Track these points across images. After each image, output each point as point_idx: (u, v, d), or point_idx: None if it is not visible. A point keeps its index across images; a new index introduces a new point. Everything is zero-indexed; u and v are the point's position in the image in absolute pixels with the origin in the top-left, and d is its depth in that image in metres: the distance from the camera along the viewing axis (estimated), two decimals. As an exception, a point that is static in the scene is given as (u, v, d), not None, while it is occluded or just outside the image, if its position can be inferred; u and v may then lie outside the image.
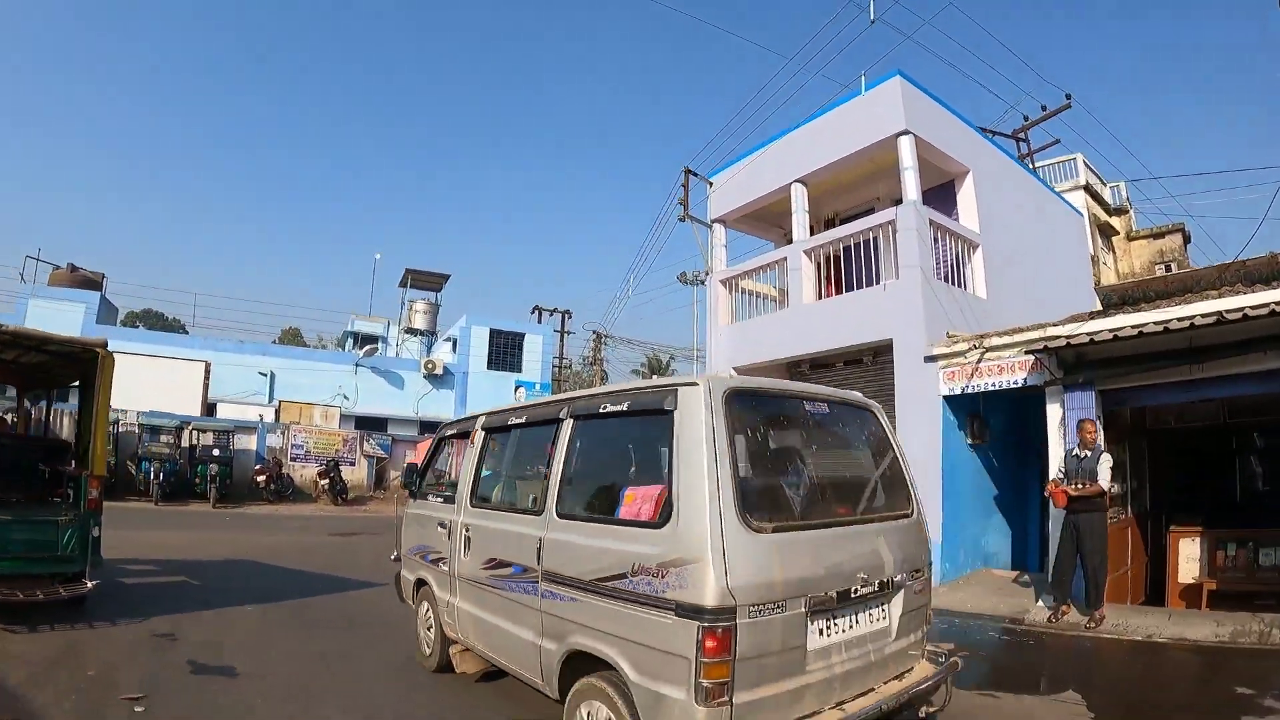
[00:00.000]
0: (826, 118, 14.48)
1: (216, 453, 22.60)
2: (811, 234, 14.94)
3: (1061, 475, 8.98)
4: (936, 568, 9.94)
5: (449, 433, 6.91)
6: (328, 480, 24.09)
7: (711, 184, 16.73)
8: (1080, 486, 8.54)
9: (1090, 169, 25.97)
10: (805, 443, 4.57)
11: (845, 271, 13.88)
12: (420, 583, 6.50)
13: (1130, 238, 28.12)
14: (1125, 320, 9.59)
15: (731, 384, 4.05)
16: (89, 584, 7.41)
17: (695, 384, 3.92)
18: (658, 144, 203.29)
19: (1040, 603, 9.49)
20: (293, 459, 26.59)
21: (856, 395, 5.01)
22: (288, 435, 26.86)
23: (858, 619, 4.03)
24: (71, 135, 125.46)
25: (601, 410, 4.51)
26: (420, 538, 6.59)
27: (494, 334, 36.96)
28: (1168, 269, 26.51)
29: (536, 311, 41.17)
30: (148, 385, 26.28)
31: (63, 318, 29.49)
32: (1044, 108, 22.09)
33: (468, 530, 5.52)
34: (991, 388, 11.41)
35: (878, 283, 13.01)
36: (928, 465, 11.28)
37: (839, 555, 3.99)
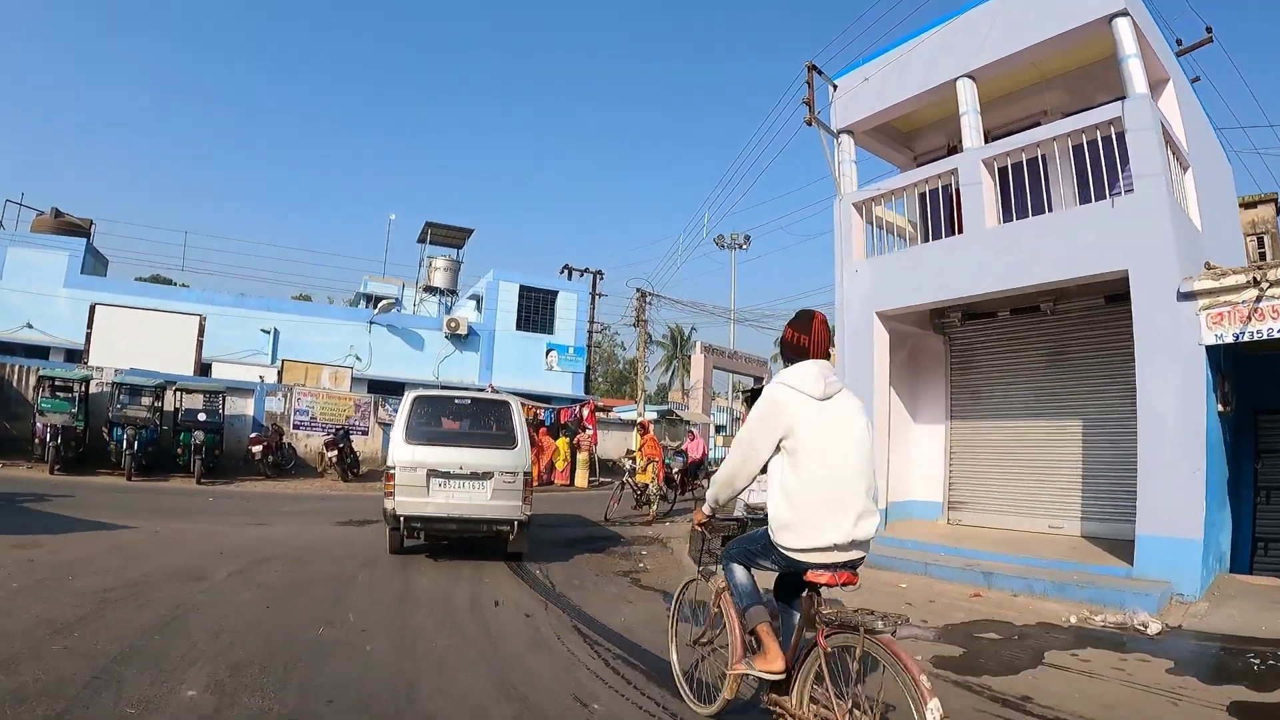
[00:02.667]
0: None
1: (203, 418, 18.88)
2: (951, 153, 11.65)
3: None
4: (1196, 575, 8.18)
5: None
6: (336, 452, 20.34)
7: (836, 86, 12.82)
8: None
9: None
10: (452, 414, 10.09)
11: (1023, 193, 10.26)
12: None
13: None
14: None
15: (417, 394, 9.80)
16: None
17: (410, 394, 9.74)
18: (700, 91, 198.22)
19: None
20: (296, 427, 22.93)
21: (493, 394, 11.48)
22: (290, 399, 23.17)
23: (462, 483, 9.00)
24: (70, 79, 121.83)
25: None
26: None
27: (524, 291, 33.16)
28: (1260, 242, 25.37)
29: (566, 271, 37.49)
30: (135, 342, 23.10)
31: (44, 266, 26.39)
32: (1179, 41, 18.05)
33: None
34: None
35: (1079, 203, 9.79)
36: (1183, 436, 8.35)
37: (449, 457, 9.01)
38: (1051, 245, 9.59)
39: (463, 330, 30.72)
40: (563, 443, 23.91)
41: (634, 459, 15.99)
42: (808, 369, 3.84)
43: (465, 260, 39.43)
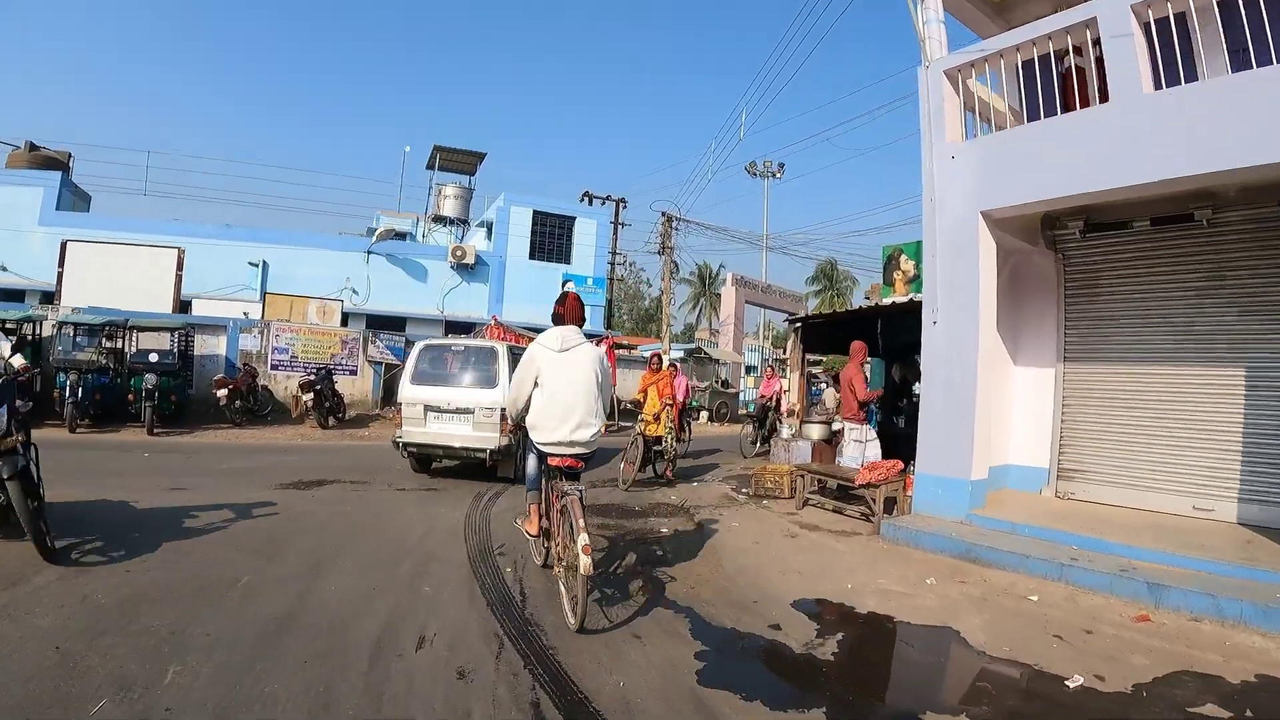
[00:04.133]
0: None
1: (154, 359, 16.33)
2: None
3: None
4: None
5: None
6: (312, 395, 17.73)
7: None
8: None
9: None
10: (450, 359, 11.70)
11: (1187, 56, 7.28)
12: None
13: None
14: None
15: (423, 343, 12.04)
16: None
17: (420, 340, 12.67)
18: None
19: None
20: (274, 367, 20.42)
21: (484, 342, 12.53)
22: (267, 336, 20.59)
23: (451, 417, 10.96)
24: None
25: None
26: None
27: (538, 216, 30.20)
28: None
29: (587, 198, 34.53)
30: (109, 280, 20.75)
31: (17, 204, 24.28)
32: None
33: None
34: None
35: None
36: None
37: (441, 395, 11.06)
38: (1239, 119, 6.61)
39: (470, 259, 27.90)
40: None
41: (641, 405, 12.07)
42: (552, 332, 5.79)
43: (477, 188, 36.56)
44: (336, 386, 19.18)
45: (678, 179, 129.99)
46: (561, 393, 5.56)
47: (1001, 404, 9.54)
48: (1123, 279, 9.17)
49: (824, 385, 19.11)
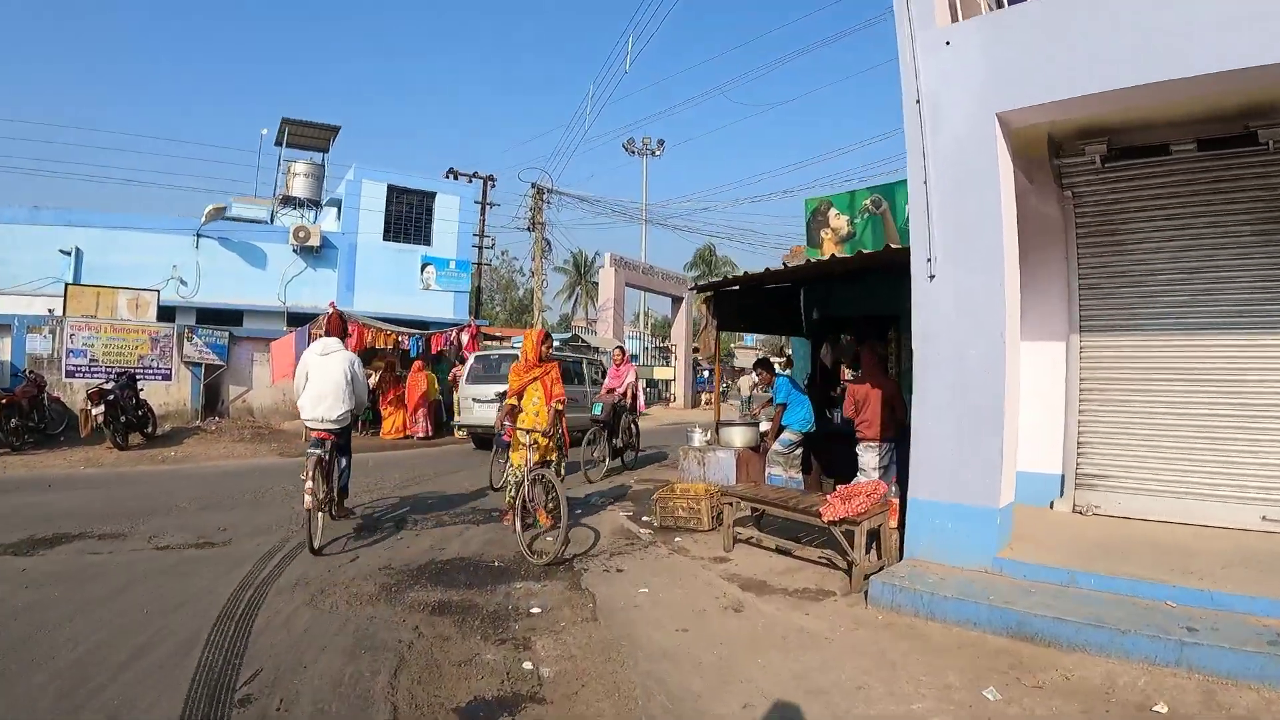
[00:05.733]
0: None
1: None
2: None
3: None
4: None
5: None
6: (103, 407, 14.12)
7: None
8: None
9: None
10: (491, 364, 16.22)
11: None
12: None
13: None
14: None
15: (478, 354, 17.25)
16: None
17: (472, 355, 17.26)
18: None
19: None
20: (70, 374, 16.58)
21: (511, 350, 16.81)
22: (60, 336, 16.80)
23: (490, 403, 14.35)
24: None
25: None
26: None
27: (394, 192, 26.63)
28: None
29: (452, 175, 31.19)
30: None
31: None
32: None
33: None
34: None
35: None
36: None
37: (484, 390, 15.33)
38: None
39: (314, 241, 24.23)
40: (433, 379, 18.28)
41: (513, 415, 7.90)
42: (318, 344, 7.85)
43: (332, 167, 32.62)
44: (142, 394, 15.59)
45: (549, 149, 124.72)
46: (317, 384, 7.52)
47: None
48: (1155, 222, 6.89)
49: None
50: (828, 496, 6.35)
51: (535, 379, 7.69)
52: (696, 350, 35.82)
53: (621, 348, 12.28)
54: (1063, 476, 7.29)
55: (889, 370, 9.39)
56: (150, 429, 15.60)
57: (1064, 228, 7.28)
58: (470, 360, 16.64)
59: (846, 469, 8.92)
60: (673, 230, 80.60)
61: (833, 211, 11.30)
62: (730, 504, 7.36)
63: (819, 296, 10.89)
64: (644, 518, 8.66)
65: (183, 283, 23.37)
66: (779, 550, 6.96)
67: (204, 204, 24.35)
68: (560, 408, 7.57)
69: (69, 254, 22.15)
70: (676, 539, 7.71)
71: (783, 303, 10.83)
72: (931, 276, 5.94)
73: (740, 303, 10.13)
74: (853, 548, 5.92)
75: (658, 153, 44.19)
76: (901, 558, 6.16)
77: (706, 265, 67.38)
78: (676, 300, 36.96)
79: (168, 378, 17.62)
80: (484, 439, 15.39)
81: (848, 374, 10.73)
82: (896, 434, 7.65)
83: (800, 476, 9.07)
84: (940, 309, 5.95)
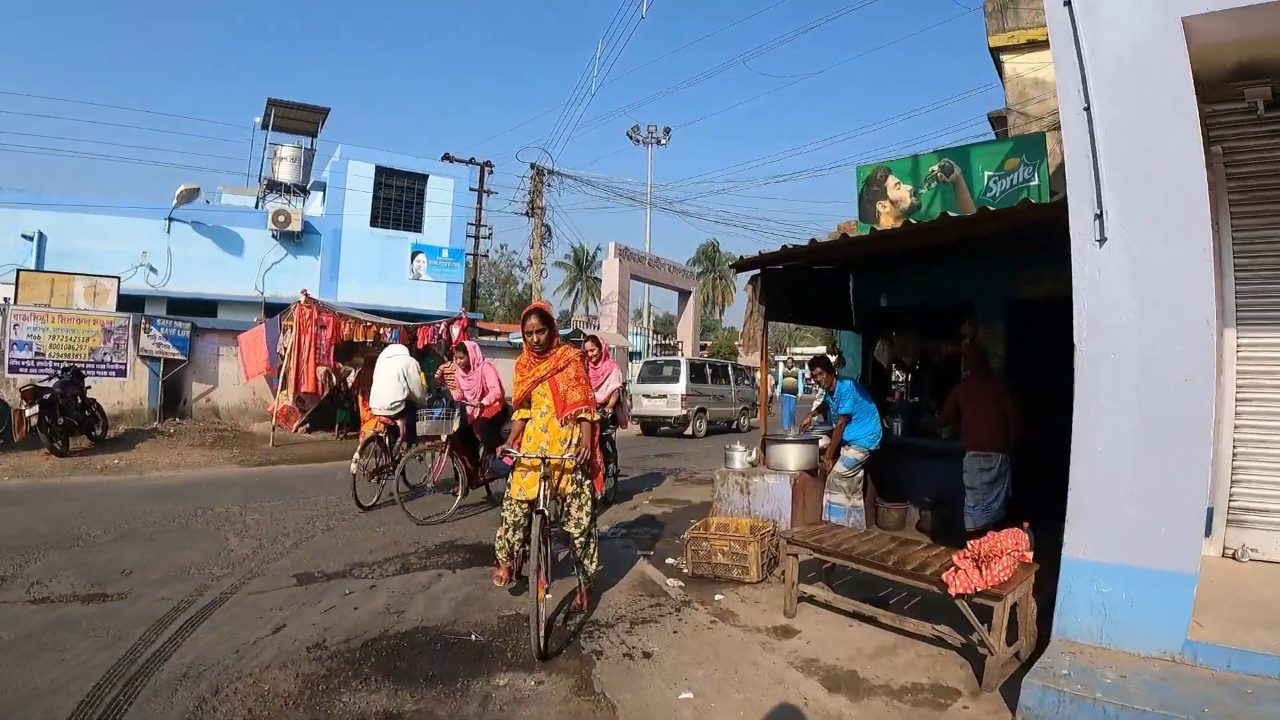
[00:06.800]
0: None
1: None
2: None
3: None
4: None
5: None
6: (37, 408, 12.31)
7: None
8: None
9: None
10: (657, 367, 22.26)
11: None
12: None
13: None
14: None
15: (646, 360, 24.36)
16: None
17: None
18: None
19: None
20: (14, 369, 14.71)
21: (673, 356, 24.69)
22: (4, 325, 14.98)
23: (658, 399, 20.71)
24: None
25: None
26: None
27: (382, 174, 24.83)
28: None
29: (446, 160, 29.30)
30: None
31: None
32: None
33: None
34: None
35: None
36: None
37: (654, 388, 20.96)
38: None
39: (295, 226, 22.39)
40: (421, 376, 16.42)
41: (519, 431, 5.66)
42: (387, 349, 9.81)
43: (320, 151, 30.73)
44: (90, 393, 13.79)
45: (548, 130, 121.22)
46: (379, 379, 9.36)
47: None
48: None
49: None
50: (954, 557, 4.49)
51: (543, 379, 5.22)
52: (667, 347, 34.12)
53: (597, 338, 8.74)
54: (1210, 510, 5.53)
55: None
56: (99, 432, 13.78)
57: (1215, 193, 5.53)
58: (641, 364, 22.82)
59: (907, 490, 7.58)
60: (681, 218, 78.54)
61: (891, 180, 9.48)
62: (793, 555, 5.42)
63: (873, 283, 9.10)
64: (670, 559, 6.88)
65: (152, 270, 21.71)
66: (860, 616, 5.14)
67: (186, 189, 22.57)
68: (590, 418, 5.20)
69: (31, 239, 20.46)
70: (718, 596, 5.85)
71: (831, 290, 9.00)
72: (1100, 240, 4.15)
73: (786, 284, 8.06)
74: (989, 629, 4.11)
75: (663, 141, 42.10)
76: (1041, 636, 4.41)
77: (710, 262, 65.59)
78: (683, 294, 35.09)
79: (122, 374, 15.79)
80: (651, 426, 21.33)
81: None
82: (1008, 447, 6.29)
83: (862, 504, 7.29)
84: (1114, 288, 4.16)
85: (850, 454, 7.18)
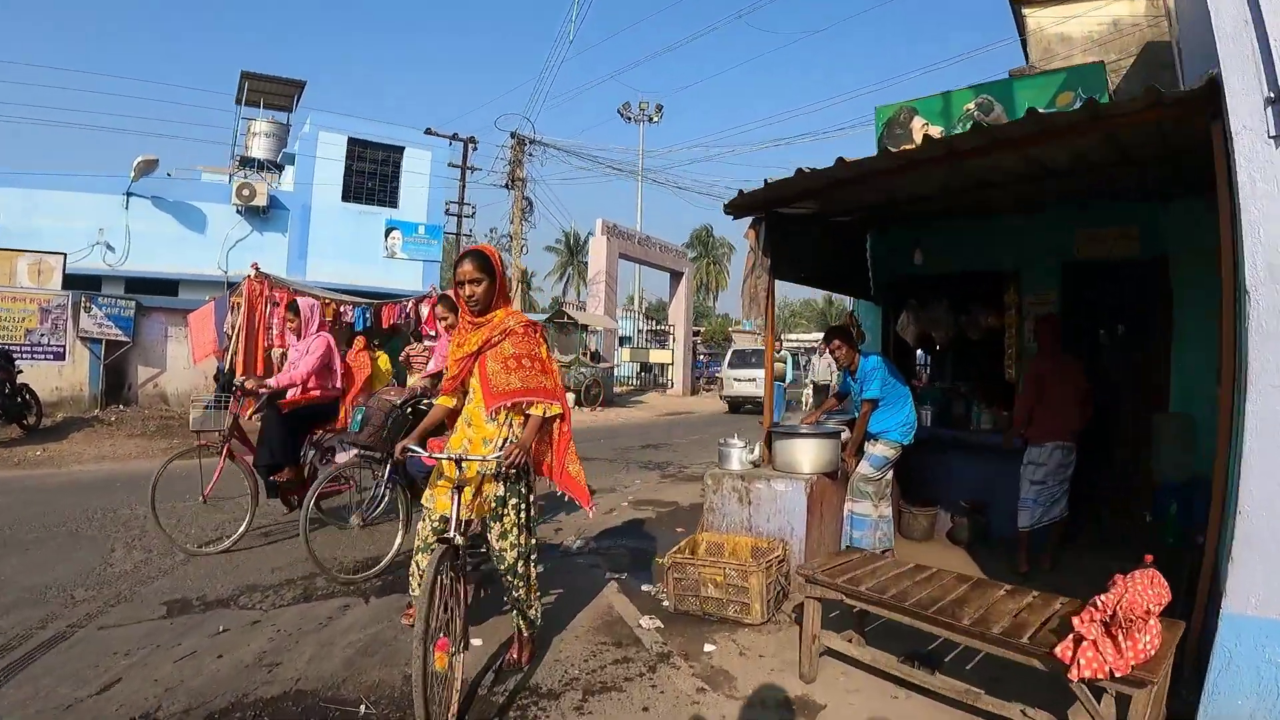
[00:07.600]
0: None
1: None
2: None
3: None
4: None
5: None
6: (-39, 394, 11.00)
7: None
8: None
9: None
10: (744, 355, 25.71)
11: None
12: None
13: None
14: None
15: (734, 348, 27.86)
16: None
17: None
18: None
19: None
20: (-59, 352, 13.44)
21: (757, 345, 26.30)
22: (-69, 305, 13.60)
23: (746, 382, 23.67)
24: None
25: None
26: None
27: (355, 146, 23.49)
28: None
29: (430, 135, 27.80)
30: None
31: None
32: None
33: None
34: None
35: None
36: None
37: (742, 372, 24.30)
38: None
39: (261, 201, 20.99)
40: (383, 360, 15.03)
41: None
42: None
43: (295, 126, 29.27)
44: (23, 377, 12.46)
45: (528, 96, 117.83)
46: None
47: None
48: None
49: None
50: (1075, 621, 2.81)
51: (472, 355, 3.75)
52: (658, 334, 32.87)
53: (448, 295, 6.28)
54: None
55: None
56: (32, 420, 12.47)
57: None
58: (729, 352, 26.74)
59: (937, 492, 6.61)
60: (675, 193, 76.90)
61: (917, 121, 8.02)
62: (814, 599, 3.86)
63: (896, 243, 7.69)
64: (647, 586, 5.38)
65: (109, 248, 20.32)
66: (901, 681, 3.64)
67: (162, 168, 21.19)
68: (539, 412, 3.70)
69: (-22, 217, 19.08)
70: (708, 647, 4.30)
71: (846, 251, 7.55)
72: (1276, 137, 2.82)
73: (794, 234, 6.18)
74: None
75: (656, 119, 40.79)
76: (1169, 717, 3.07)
77: (704, 246, 64.36)
78: (675, 276, 33.61)
79: (60, 356, 14.40)
80: (735, 403, 24.27)
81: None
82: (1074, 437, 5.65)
83: (890, 514, 5.83)
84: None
85: (878, 450, 5.68)
